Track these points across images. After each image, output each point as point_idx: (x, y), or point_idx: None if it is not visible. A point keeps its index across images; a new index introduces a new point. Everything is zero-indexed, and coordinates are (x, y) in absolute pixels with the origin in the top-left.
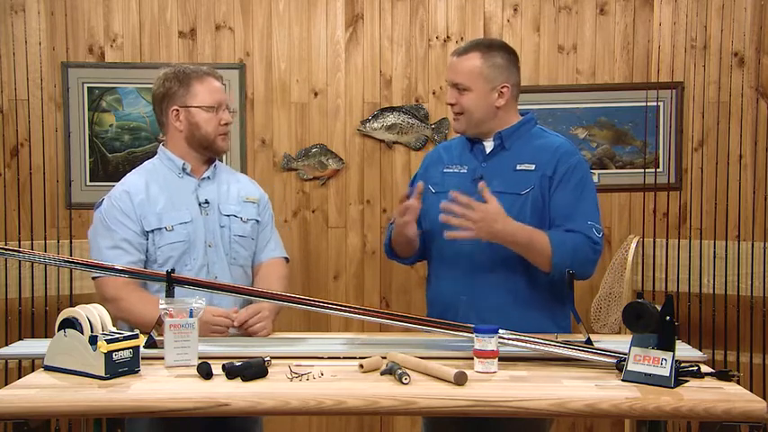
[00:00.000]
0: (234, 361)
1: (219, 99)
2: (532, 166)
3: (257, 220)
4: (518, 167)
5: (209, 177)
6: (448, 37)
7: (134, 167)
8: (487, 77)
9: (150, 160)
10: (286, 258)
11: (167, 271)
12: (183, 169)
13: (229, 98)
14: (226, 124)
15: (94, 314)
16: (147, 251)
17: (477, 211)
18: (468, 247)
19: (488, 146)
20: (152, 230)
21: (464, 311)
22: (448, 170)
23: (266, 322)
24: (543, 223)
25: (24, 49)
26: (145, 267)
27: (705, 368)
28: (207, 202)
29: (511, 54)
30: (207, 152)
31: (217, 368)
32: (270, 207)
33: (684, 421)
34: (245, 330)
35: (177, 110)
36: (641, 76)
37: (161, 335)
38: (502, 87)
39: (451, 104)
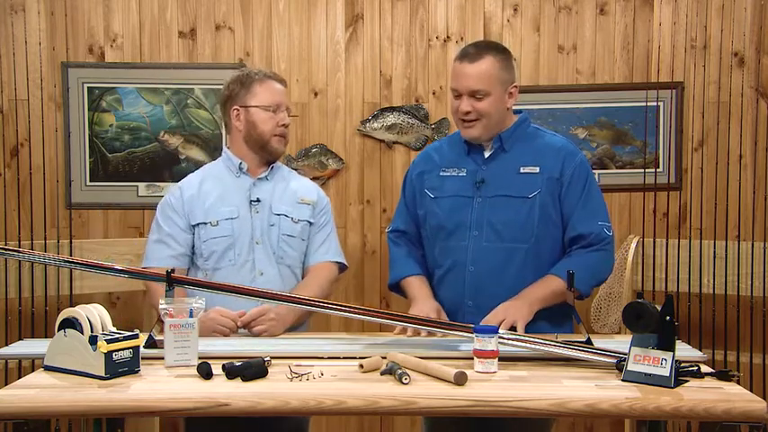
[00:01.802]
0: (234, 361)
1: (278, 100)
2: (537, 169)
3: (310, 222)
4: (522, 170)
5: (266, 177)
6: (448, 37)
7: (133, 167)
8: (501, 79)
9: (214, 161)
10: (340, 264)
11: (167, 271)
12: (240, 168)
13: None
14: (283, 125)
15: (94, 314)
16: (192, 246)
17: (507, 320)
18: (473, 253)
19: (486, 148)
20: (197, 224)
21: (470, 316)
22: (445, 173)
23: (268, 325)
24: (551, 224)
25: (24, 49)
26: (191, 262)
27: (705, 368)
28: (258, 200)
29: (511, 54)
30: (263, 153)
31: (217, 368)
32: (329, 211)
33: (684, 421)
34: (249, 331)
35: (238, 109)
36: (641, 76)
37: (161, 335)
38: (512, 88)
39: (467, 112)
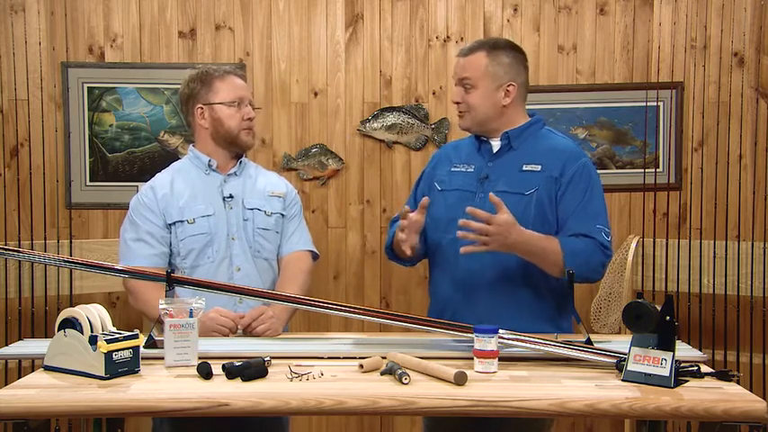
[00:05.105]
0: (234, 361)
1: (241, 95)
2: (538, 167)
3: (282, 214)
4: (524, 168)
5: (235, 173)
6: (448, 37)
7: (133, 167)
8: (493, 76)
9: (180, 160)
10: (312, 252)
11: (167, 271)
12: (209, 166)
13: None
14: (249, 119)
15: (94, 314)
16: (170, 244)
17: (493, 224)
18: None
19: (496, 146)
20: (173, 223)
21: (460, 310)
22: (455, 169)
23: (270, 323)
24: (547, 224)
25: (24, 49)
26: (169, 260)
27: (705, 368)
28: (231, 196)
29: (518, 53)
30: (232, 147)
31: (217, 368)
32: (298, 201)
33: (684, 421)
34: (249, 332)
35: (201, 108)
36: (641, 76)
37: (161, 335)
38: (508, 86)
39: (457, 102)
